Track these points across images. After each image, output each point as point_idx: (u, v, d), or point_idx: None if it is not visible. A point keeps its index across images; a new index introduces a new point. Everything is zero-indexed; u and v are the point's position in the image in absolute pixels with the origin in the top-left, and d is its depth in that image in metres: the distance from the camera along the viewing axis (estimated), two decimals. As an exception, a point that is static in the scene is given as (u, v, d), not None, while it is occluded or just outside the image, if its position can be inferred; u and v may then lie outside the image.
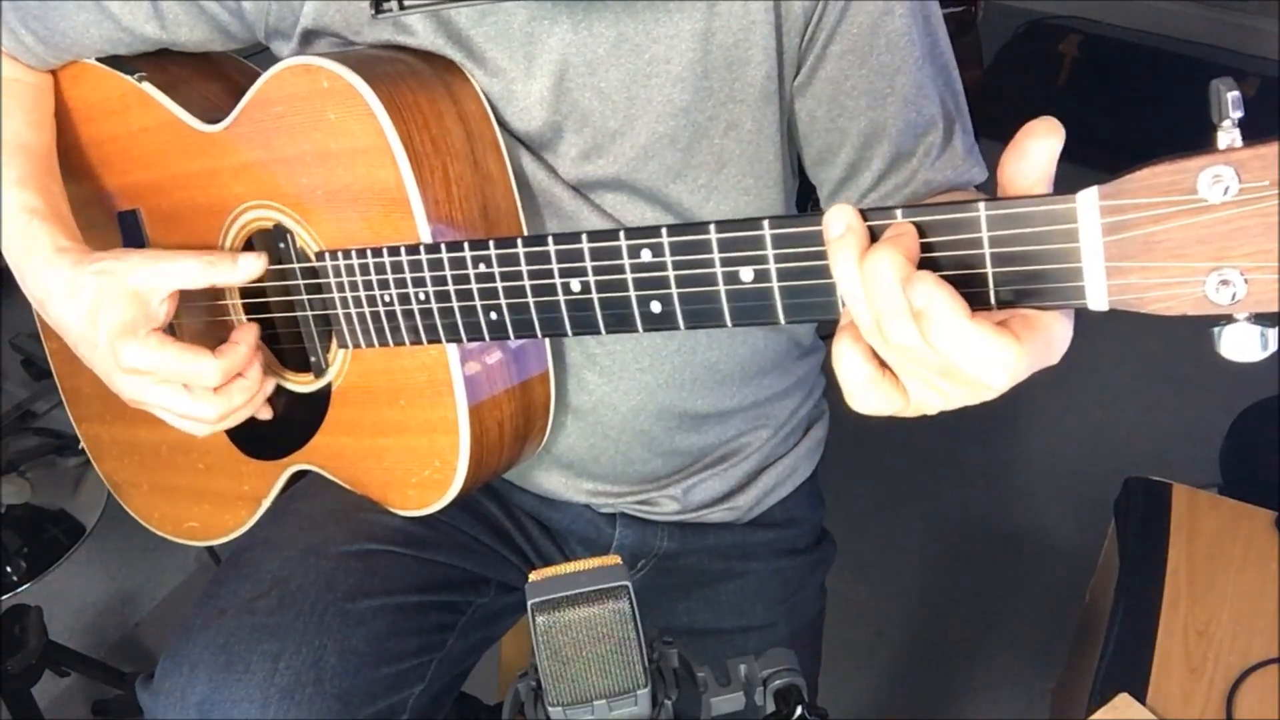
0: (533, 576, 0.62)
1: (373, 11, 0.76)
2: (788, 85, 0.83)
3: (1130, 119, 2.79)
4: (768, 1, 0.79)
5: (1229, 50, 3.01)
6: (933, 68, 0.84)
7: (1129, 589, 1.23)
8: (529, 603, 0.60)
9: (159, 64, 0.95)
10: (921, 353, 0.54)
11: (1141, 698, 1.10)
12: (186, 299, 0.89)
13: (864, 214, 0.56)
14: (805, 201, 0.99)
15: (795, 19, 0.80)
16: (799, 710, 0.67)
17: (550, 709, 0.62)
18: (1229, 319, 0.49)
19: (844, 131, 0.84)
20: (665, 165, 0.84)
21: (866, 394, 0.58)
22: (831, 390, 1.11)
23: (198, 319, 0.95)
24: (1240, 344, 0.49)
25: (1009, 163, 0.53)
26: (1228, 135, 0.47)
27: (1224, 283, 0.48)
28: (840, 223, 0.56)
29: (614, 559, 0.62)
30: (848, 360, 0.57)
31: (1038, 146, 0.52)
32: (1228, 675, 1.13)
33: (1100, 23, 3.15)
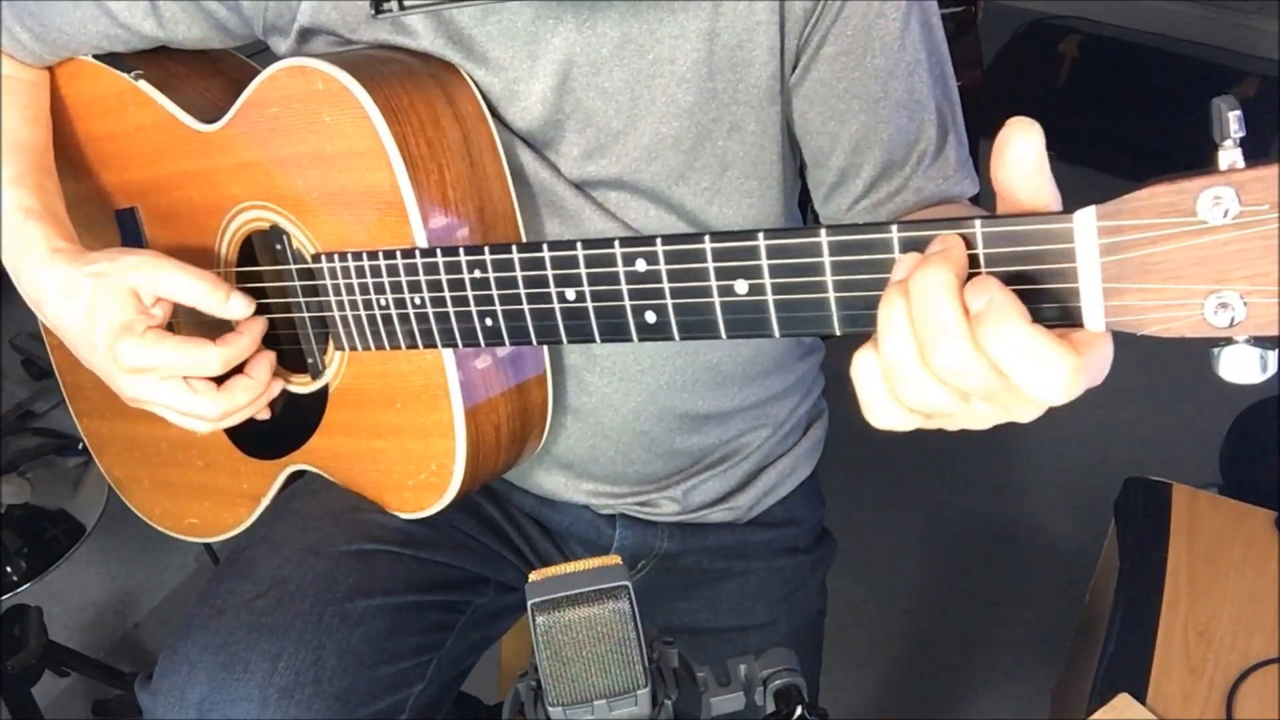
0: (533, 576, 0.62)
1: (372, 11, 0.76)
2: (787, 85, 0.83)
3: (1130, 119, 2.79)
4: (772, 1, 0.78)
5: (1229, 50, 3.01)
6: (929, 75, 0.83)
7: (1129, 589, 1.23)
8: (529, 603, 0.60)
9: (156, 61, 0.95)
10: (965, 375, 0.50)
11: (1141, 698, 1.10)
12: None
13: (857, 227, 0.56)
14: (806, 206, 0.99)
15: (796, 19, 0.79)
16: (799, 710, 0.67)
17: (550, 709, 0.62)
18: (1228, 341, 0.48)
19: (835, 136, 0.84)
20: (669, 166, 0.84)
21: (887, 410, 0.54)
22: (831, 390, 1.11)
23: (196, 316, 0.95)
24: (1239, 366, 0.48)
25: (1001, 170, 0.51)
26: (1229, 155, 0.47)
27: (1223, 305, 0.47)
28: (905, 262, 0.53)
29: (614, 559, 0.62)
30: (867, 374, 0.54)
31: (1024, 147, 0.51)
32: (1228, 675, 1.13)
33: (1100, 23, 3.15)
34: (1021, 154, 0.50)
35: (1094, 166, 2.61)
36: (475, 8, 0.80)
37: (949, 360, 0.50)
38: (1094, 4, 3.15)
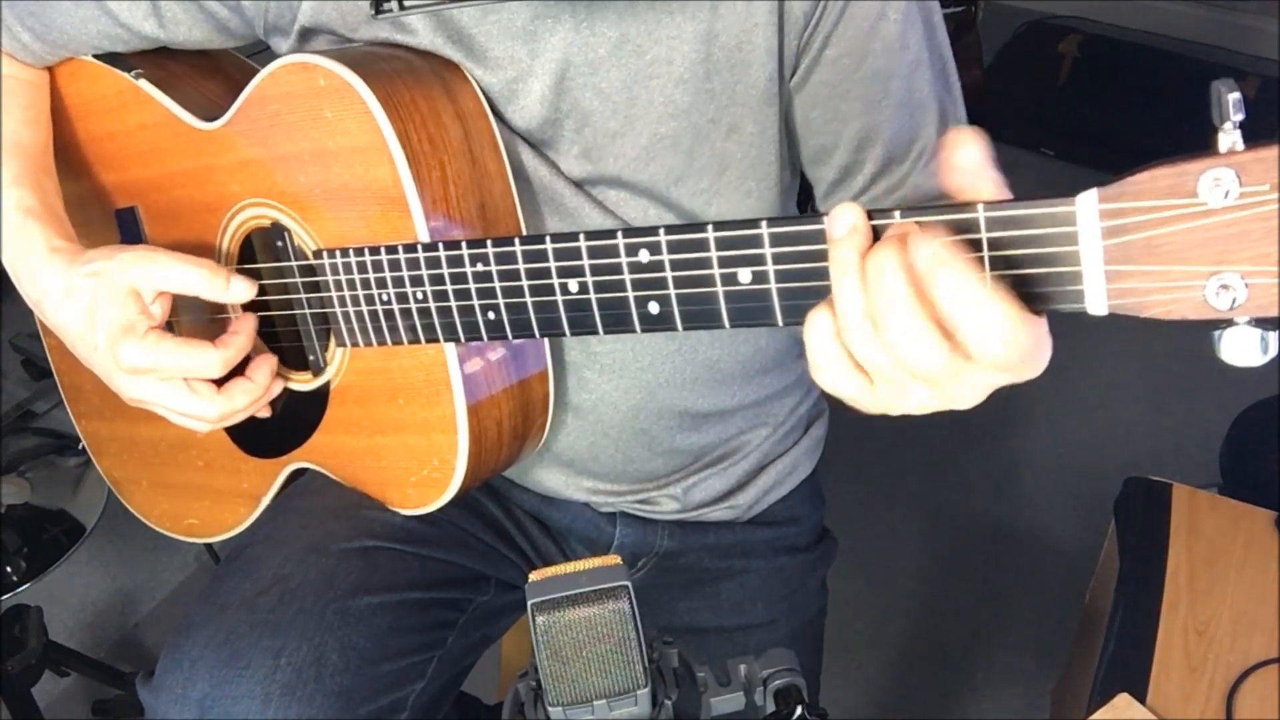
0: (533, 576, 0.62)
1: (372, 12, 0.76)
2: (785, 86, 0.83)
3: (1130, 119, 2.79)
4: (771, 2, 0.78)
5: (1229, 50, 3.01)
6: (930, 71, 0.83)
7: (1129, 589, 1.23)
8: (529, 603, 0.60)
9: (156, 60, 0.95)
10: (912, 349, 0.53)
11: (1141, 698, 1.10)
12: (184, 297, 0.89)
13: (868, 213, 0.56)
14: (805, 203, 0.99)
15: (796, 20, 0.79)
16: (799, 710, 0.67)
17: (550, 709, 0.62)
18: (1229, 323, 0.49)
19: (837, 134, 0.84)
20: (666, 167, 0.84)
21: (832, 368, 0.57)
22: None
23: (195, 316, 0.95)
24: (1240, 348, 0.49)
25: (948, 177, 0.53)
26: (1229, 138, 0.47)
27: (1224, 287, 0.47)
28: (845, 222, 0.55)
29: (614, 559, 0.62)
30: (819, 331, 0.57)
31: (965, 154, 0.53)
32: (1228, 675, 1.13)
33: (1100, 23, 3.15)
34: (963, 160, 0.52)
35: (1094, 166, 2.60)
36: (475, 8, 0.80)
37: (898, 334, 0.53)
38: (1094, 4, 3.15)
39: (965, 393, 0.55)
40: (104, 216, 1.00)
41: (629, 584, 0.60)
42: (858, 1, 0.79)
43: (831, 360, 0.57)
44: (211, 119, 0.88)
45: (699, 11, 0.78)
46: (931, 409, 0.57)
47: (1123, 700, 1.10)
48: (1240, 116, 0.47)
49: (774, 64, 0.81)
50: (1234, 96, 0.47)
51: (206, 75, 0.96)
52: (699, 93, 0.81)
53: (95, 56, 0.95)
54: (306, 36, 0.86)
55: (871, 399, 0.58)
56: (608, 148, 0.83)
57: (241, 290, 0.85)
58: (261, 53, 0.93)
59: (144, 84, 0.92)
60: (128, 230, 0.99)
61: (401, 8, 0.76)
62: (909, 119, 0.83)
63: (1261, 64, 2.90)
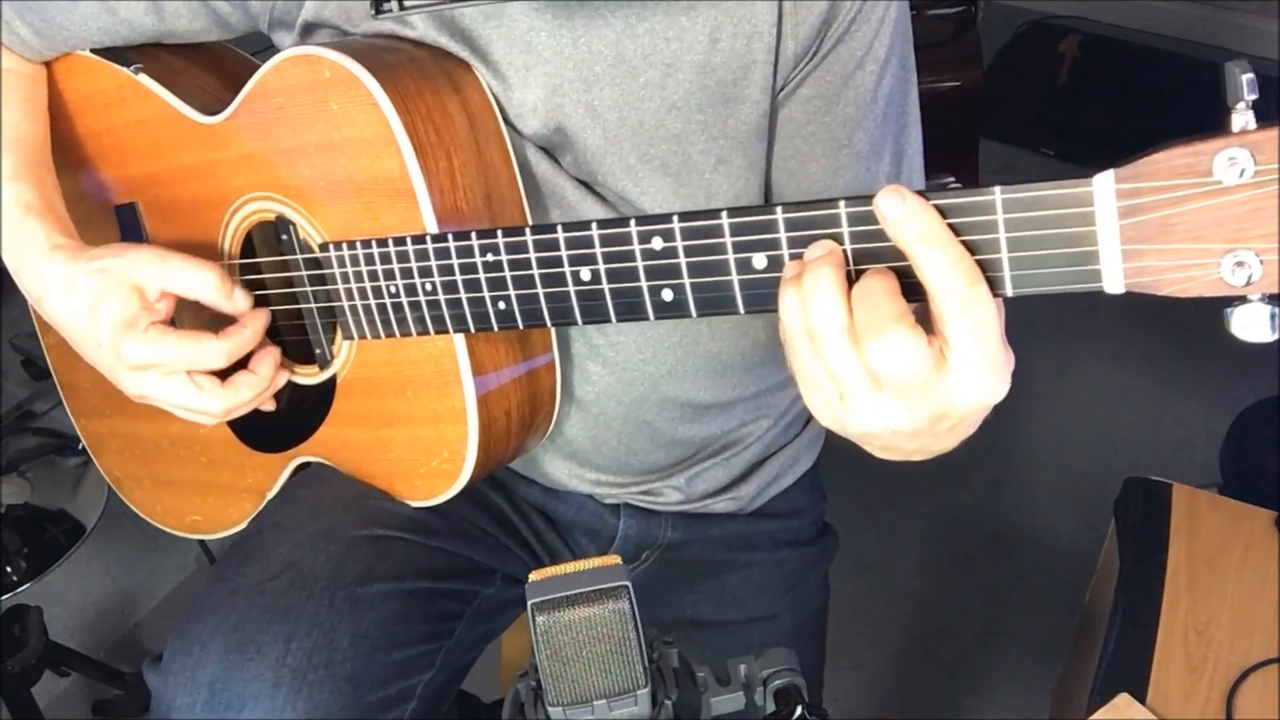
0: (533, 576, 0.62)
1: (373, 12, 0.76)
2: (775, 120, 0.84)
3: (1130, 119, 2.79)
4: (770, 41, 0.79)
5: (1229, 50, 3.01)
6: (894, 125, 0.84)
7: (1129, 589, 1.23)
8: (529, 603, 0.60)
9: (155, 55, 0.95)
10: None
11: (1141, 698, 1.10)
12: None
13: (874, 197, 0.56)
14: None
15: (788, 61, 0.80)
16: (799, 710, 0.67)
17: (550, 709, 0.62)
18: (1242, 299, 0.49)
19: (793, 174, 0.85)
20: (655, 187, 0.84)
21: (802, 357, 0.60)
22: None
23: (199, 310, 0.95)
24: (1252, 324, 0.49)
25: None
26: (1242, 117, 0.48)
27: (1240, 264, 0.48)
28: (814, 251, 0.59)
29: (614, 559, 0.62)
30: (790, 312, 0.59)
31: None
32: (1228, 675, 1.13)
33: (1100, 23, 3.15)
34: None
35: (1094, 166, 2.61)
36: (476, 10, 0.80)
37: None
38: (1094, 4, 3.15)
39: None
40: (104, 212, 1.00)
41: (629, 584, 0.60)
42: (842, 45, 0.79)
43: (801, 341, 0.60)
44: (213, 113, 0.88)
45: (696, 43, 0.79)
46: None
47: (1123, 700, 1.10)
48: (1254, 96, 0.48)
49: (767, 101, 0.81)
50: (1247, 77, 0.48)
51: (206, 69, 0.96)
52: (689, 122, 0.81)
53: (93, 51, 0.95)
54: (308, 31, 0.86)
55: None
56: (598, 163, 0.84)
57: (243, 302, 0.85)
58: (265, 50, 0.93)
59: (144, 78, 0.92)
60: (128, 226, 0.99)
61: (401, 8, 0.76)
62: (865, 171, 0.84)
63: (1261, 64, 2.90)
